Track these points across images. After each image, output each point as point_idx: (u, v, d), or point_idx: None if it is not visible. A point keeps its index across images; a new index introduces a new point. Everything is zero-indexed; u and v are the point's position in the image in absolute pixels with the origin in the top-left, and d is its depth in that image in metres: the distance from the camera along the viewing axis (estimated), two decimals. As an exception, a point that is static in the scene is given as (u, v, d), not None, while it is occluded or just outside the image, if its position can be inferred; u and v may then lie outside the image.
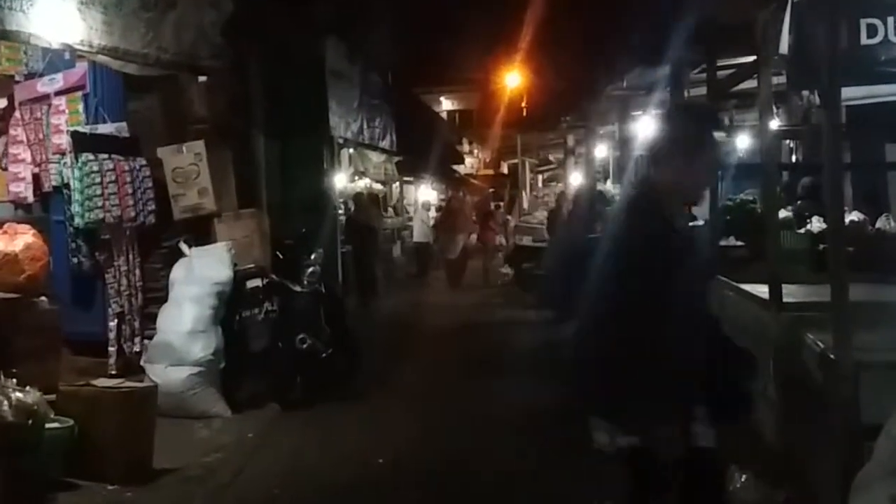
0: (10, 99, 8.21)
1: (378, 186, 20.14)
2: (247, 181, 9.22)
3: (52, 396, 5.53)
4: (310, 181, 10.79)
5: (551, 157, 29.86)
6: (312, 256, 8.36)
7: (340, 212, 13.26)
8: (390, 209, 22.25)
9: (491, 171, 33.67)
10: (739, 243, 8.01)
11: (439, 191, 28.13)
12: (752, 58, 6.64)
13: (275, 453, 6.47)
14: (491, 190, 24.48)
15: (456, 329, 12.84)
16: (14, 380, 5.25)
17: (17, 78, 8.02)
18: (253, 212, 8.81)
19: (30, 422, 5.09)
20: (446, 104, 29.98)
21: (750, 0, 5.93)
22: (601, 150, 17.13)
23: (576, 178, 19.13)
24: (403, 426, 7.16)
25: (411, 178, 24.25)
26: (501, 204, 27.02)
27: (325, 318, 8.21)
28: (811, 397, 4.54)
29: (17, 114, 8.10)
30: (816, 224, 7.36)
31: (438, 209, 23.21)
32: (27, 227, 6.97)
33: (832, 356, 4.17)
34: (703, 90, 8.66)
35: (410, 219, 23.02)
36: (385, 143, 14.91)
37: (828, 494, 4.20)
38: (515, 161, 31.48)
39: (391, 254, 19.18)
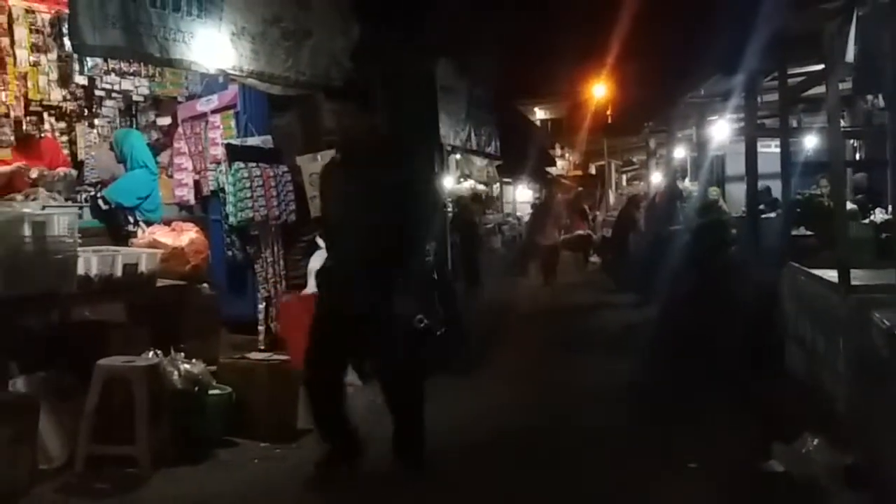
0: (174, 117, 8.57)
1: (481, 187, 20.14)
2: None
3: (214, 368, 5.75)
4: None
5: (634, 159, 29.37)
6: (427, 248, 8.42)
7: (448, 209, 13.33)
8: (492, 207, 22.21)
9: (580, 172, 33.15)
10: (809, 233, 7.83)
11: (534, 190, 27.95)
12: (820, 66, 6.46)
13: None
14: (580, 189, 24.09)
15: (551, 312, 12.83)
16: (182, 354, 5.51)
17: (179, 99, 8.37)
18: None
19: (196, 389, 5.36)
20: (540, 114, 29.72)
21: (818, 12, 5.78)
22: (680, 152, 16.75)
23: (657, 177, 18.71)
24: (507, 396, 7.18)
25: (510, 180, 24.15)
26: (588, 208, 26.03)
27: (437, 301, 8.29)
28: (878, 372, 4.42)
29: (180, 129, 8.44)
30: (880, 215, 7.15)
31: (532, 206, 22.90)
32: (191, 224, 7.17)
33: (897, 333, 4.06)
34: (775, 96, 8.46)
35: (509, 215, 22.90)
36: (490, 150, 14.87)
37: (891, 461, 4.10)
38: (602, 163, 31.08)
39: (493, 245, 19.14)
